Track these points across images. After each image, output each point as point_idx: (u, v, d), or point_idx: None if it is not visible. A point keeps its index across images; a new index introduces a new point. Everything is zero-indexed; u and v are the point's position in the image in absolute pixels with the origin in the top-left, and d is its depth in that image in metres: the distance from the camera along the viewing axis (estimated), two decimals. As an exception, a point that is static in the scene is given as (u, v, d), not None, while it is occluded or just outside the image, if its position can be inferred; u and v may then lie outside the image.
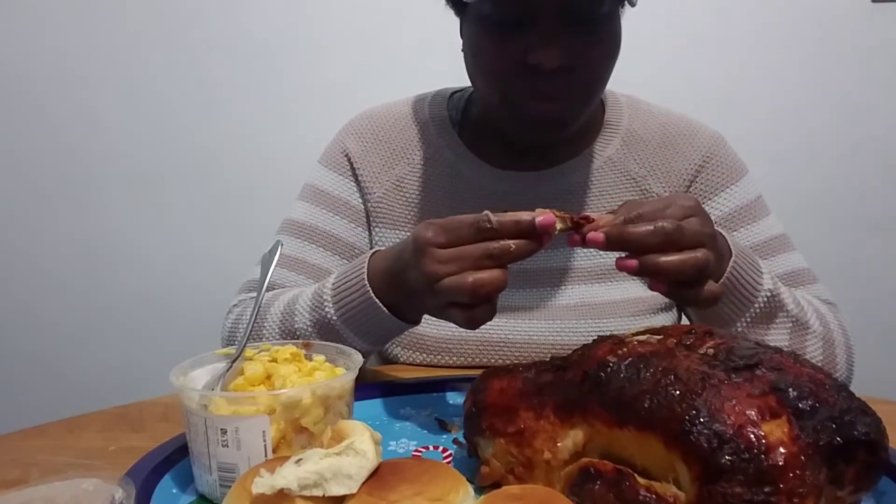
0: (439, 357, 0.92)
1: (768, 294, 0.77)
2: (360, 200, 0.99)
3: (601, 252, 0.93)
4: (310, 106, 1.79)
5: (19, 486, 0.51)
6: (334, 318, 0.79)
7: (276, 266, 0.93)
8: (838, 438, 0.45)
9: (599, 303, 0.93)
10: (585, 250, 0.94)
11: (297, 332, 0.82)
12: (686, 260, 0.63)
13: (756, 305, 0.76)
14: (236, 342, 0.75)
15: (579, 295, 0.94)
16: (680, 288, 0.65)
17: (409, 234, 0.97)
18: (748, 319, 0.77)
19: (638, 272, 0.63)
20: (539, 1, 0.78)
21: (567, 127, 0.88)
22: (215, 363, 0.65)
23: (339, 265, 0.96)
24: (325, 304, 0.80)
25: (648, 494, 0.46)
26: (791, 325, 0.80)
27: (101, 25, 1.80)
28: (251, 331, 0.67)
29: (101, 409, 0.78)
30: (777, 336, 0.79)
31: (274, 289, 0.92)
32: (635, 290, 0.94)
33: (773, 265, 0.88)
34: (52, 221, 1.87)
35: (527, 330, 0.92)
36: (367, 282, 0.76)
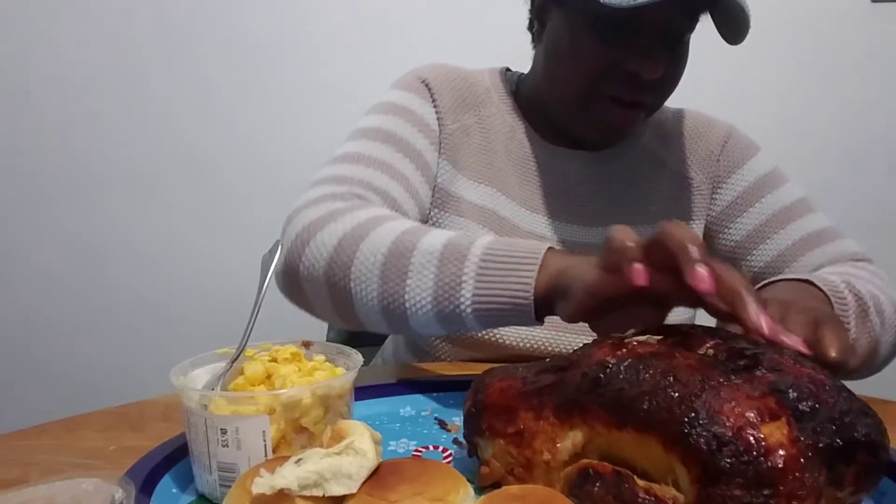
0: (479, 353, 0.93)
1: None
2: (437, 125, 0.98)
3: None
4: (309, 107, 1.79)
5: (19, 486, 0.50)
6: (470, 316, 0.71)
7: (360, 165, 0.87)
8: (838, 440, 0.45)
9: None
10: None
11: (401, 302, 0.73)
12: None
13: None
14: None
15: None
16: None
17: (467, 179, 0.96)
18: None
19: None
20: (650, 15, 0.84)
21: (628, 135, 0.99)
22: (215, 363, 0.65)
23: (422, 185, 0.92)
24: (462, 301, 0.70)
25: (647, 496, 0.46)
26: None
27: (101, 27, 1.80)
28: (253, 328, 0.67)
29: (101, 409, 0.78)
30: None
31: (370, 189, 0.85)
32: None
33: (799, 226, 0.99)
34: (53, 222, 1.87)
35: (573, 342, 0.92)
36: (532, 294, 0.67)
